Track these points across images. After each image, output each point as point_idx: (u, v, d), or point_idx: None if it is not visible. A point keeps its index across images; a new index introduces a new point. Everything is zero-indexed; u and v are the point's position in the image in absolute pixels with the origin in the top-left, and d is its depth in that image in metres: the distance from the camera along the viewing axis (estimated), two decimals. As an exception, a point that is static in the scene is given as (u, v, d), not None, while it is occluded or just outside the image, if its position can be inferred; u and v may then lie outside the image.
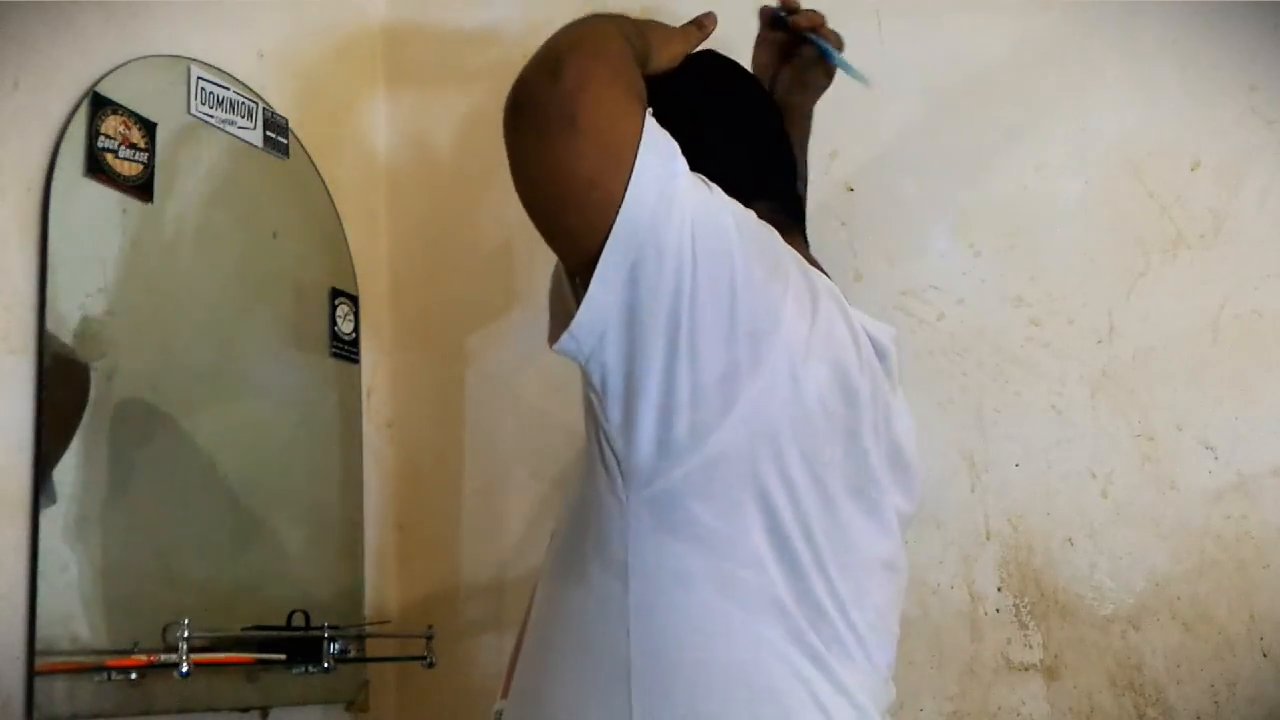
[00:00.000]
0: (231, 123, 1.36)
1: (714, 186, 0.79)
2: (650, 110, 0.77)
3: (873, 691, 0.82)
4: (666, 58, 0.96)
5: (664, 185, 0.73)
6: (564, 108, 0.72)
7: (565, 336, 0.75)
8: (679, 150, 0.76)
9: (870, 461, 0.85)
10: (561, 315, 0.77)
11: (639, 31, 0.91)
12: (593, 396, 0.79)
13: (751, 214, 0.82)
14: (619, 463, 0.78)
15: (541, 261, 0.82)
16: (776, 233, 0.83)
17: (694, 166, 0.78)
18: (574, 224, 0.74)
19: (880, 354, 0.89)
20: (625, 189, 0.71)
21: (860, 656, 0.81)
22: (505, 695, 0.89)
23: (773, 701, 0.76)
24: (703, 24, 1.02)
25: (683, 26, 1.01)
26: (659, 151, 0.74)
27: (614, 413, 0.77)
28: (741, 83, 1.03)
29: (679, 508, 0.77)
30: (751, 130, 1.00)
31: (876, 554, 0.85)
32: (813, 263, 0.94)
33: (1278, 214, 1.11)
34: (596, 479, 0.80)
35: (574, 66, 0.73)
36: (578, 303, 0.74)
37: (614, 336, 0.74)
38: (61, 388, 1.11)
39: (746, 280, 0.75)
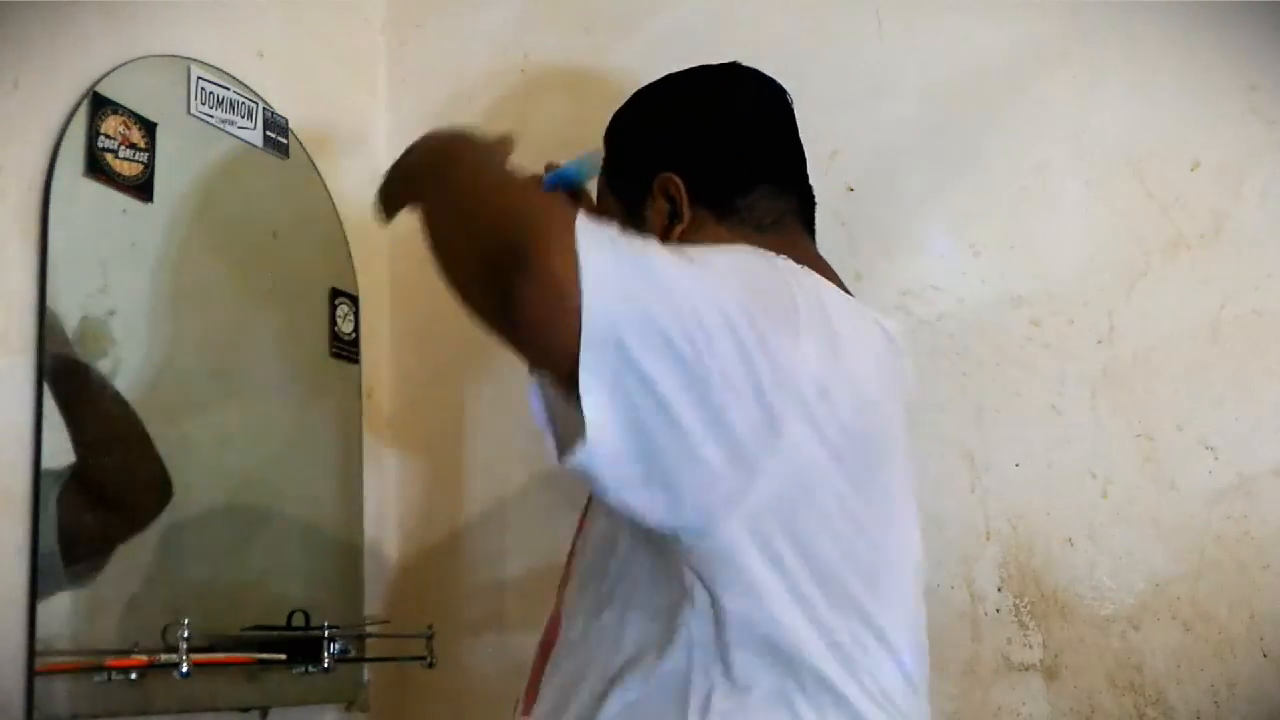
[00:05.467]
0: (231, 123, 1.36)
1: (693, 255, 0.74)
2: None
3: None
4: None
5: (626, 296, 0.67)
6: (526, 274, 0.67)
7: (578, 455, 0.69)
8: (630, 247, 0.71)
9: (904, 479, 0.86)
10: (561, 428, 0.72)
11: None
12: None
13: (744, 258, 0.78)
14: (661, 529, 0.75)
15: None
16: (775, 261, 0.80)
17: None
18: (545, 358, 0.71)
19: (897, 352, 0.89)
20: (579, 326, 0.66)
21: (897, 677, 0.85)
22: (527, 713, 0.87)
23: None
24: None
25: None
26: (604, 272, 0.67)
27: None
28: (752, 82, 1.04)
29: (730, 564, 0.75)
30: (760, 120, 1.01)
31: (911, 577, 0.88)
32: (817, 261, 0.94)
33: (1278, 214, 1.10)
34: (636, 537, 0.79)
35: (539, 252, 0.68)
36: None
37: (622, 446, 0.69)
38: (135, 492, 1.17)
39: (754, 339, 0.71)
